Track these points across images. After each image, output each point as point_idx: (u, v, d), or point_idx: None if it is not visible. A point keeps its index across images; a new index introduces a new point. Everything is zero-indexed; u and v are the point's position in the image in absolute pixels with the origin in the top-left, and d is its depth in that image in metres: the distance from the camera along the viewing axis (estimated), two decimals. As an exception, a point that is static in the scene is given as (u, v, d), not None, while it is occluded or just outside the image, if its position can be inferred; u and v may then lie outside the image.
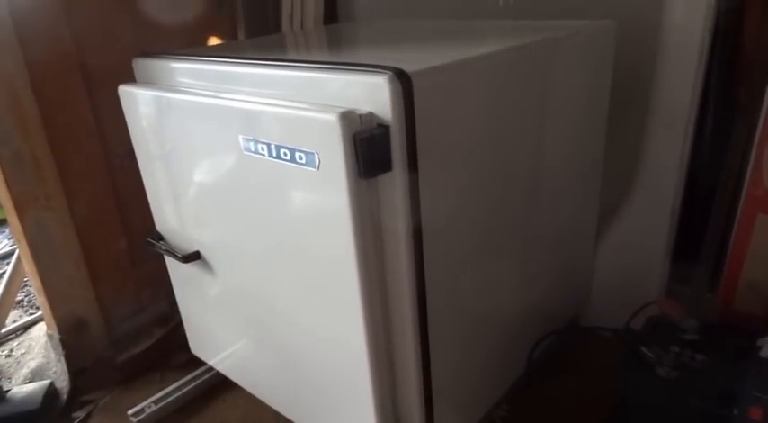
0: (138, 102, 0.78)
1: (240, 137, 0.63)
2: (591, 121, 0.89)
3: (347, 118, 0.52)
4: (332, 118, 0.52)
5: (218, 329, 0.89)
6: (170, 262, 0.91)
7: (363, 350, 0.62)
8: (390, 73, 0.52)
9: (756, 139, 0.80)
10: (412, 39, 0.86)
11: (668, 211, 0.96)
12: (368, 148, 0.53)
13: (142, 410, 0.97)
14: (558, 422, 0.88)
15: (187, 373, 1.05)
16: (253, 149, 0.62)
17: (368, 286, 0.59)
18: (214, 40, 1.20)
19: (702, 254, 0.99)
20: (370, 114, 0.54)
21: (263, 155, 0.61)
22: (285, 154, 0.58)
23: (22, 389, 1.03)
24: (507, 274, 0.78)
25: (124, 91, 0.79)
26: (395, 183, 0.55)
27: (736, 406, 0.60)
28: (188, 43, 1.11)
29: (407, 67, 0.54)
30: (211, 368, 1.03)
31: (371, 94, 0.53)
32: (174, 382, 1.04)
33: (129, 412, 0.97)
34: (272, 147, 0.60)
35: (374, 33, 0.97)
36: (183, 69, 0.74)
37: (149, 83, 0.79)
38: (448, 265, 0.65)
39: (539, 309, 0.89)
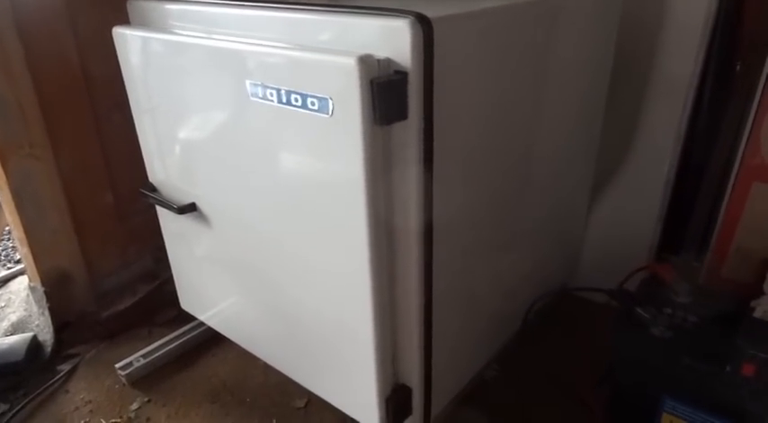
0: (133, 45, 0.75)
1: (248, 82, 0.61)
2: (593, 85, 0.89)
3: (365, 62, 0.50)
4: (350, 62, 0.50)
5: (211, 284, 0.88)
6: (163, 215, 0.89)
7: (367, 303, 0.61)
8: (412, 17, 0.51)
9: (754, 110, 0.81)
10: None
11: (662, 181, 0.97)
12: (385, 94, 0.51)
13: (130, 364, 0.96)
14: (547, 380, 0.90)
15: (175, 330, 1.04)
16: (261, 95, 0.60)
17: (376, 237, 0.58)
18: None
19: (692, 223, 1.00)
20: (388, 60, 0.52)
21: (272, 101, 0.59)
22: (296, 100, 0.57)
23: (4, 341, 1.00)
24: (504, 235, 0.79)
25: (118, 33, 0.76)
26: (409, 133, 0.54)
27: (729, 363, 0.62)
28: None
29: (428, 12, 0.52)
30: (201, 324, 1.02)
31: (390, 38, 0.52)
32: (162, 337, 1.03)
33: (117, 366, 0.96)
34: (283, 92, 0.58)
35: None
36: (183, 11, 0.71)
37: (144, 25, 0.76)
38: (455, 215, 0.65)
39: (533, 273, 0.90)
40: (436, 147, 0.57)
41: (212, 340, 1.02)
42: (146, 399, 0.93)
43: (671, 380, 0.67)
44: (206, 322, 0.95)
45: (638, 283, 0.82)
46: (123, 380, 0.96)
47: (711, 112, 0.96)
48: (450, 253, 0.66)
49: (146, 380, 0.96)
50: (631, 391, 0.71)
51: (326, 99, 0.54)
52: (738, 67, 0.93)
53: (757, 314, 0.64)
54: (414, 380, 0.69)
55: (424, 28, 0.51)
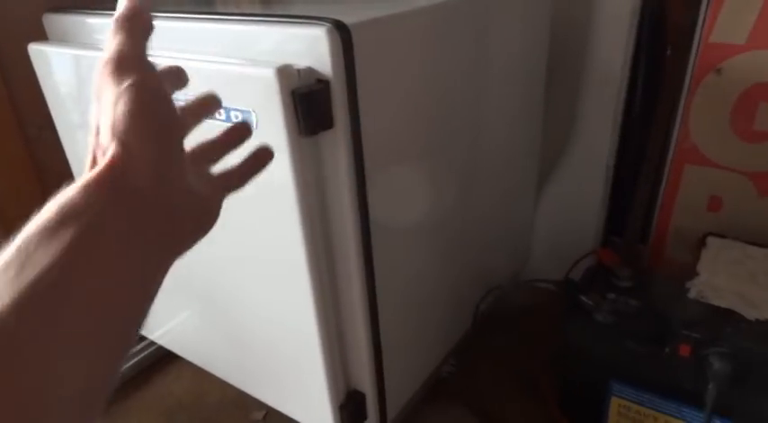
0: (52, 62, 0.72)
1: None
2: (529, 79, 0.90)
3: (284, 73, 0.49)
4: (268, 73, 0.49)
5: (159, 303, 0.85)
6: (101, 235, 0.86)
7: (311, 311, 0.61)
8: (329, 25, 0.50)
9: (683, 95, 0.83)
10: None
11: (603, 166, 0.99)
12: (308, 104, 0.50)
13: (80, 390, 0.93)
14: (504, 372, 0.91)
15: (128, 350, 1.01)
16: (184, 110, 0.58)
17: (312, 245, 0.57)
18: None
19: (635, 207, 1.03)
20: (309, 69, 0.51)
21: (196, 115, 0.57)
22: (219, 114, 0.55)
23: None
24: (450, 229, 0.79)
25: (35, 50, 0.72)
26: (337, 139, 0.53)
27: (667, 345, 0.64)
28: (106, -1, 1.02)
29: (347, 19, 0.51)
30: (153, 343, 1.00)
31: (309, 47, 0.51)
32: (113, 359, 1.00)
33: (67, 393, 0.93)
34: (205, 106, 0.56)
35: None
36: (101, 25, 0.68)
37: (63, 41, 0.73)
38: (393, 220, 0.65)
39: (482, 266, 0.91)
40: (368, 151, 0.56)
41: (166, 359, 1.00)
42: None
43: (616, 364, 0.68)
44: (157, 341, 0.93)
45: (583, 271, 0.83)
46: (74, 406, 0.92)
47: (646, 99, 0.98)
48: (393, 253, 0.66)
49: (98, 405, 0.93)
50: (581, 377, 0.73)
51: (249, 112, 0.53)
52: (669, 52, 0.96)
53: (691, 295, 0.66)
54: (366, 384, 0.68)
55: (343, 35, 0.50)
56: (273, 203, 0.56)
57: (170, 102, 0.31)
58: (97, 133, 0.29)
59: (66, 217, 0.26)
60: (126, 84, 0.29)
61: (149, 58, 0.31)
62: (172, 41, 0.61)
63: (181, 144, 0.32)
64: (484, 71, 0.76)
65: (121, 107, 0.28)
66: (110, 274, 0.26)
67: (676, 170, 0.85)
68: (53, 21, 0.73)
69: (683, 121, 0.82)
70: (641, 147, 1.00)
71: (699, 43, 0.78)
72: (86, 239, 0.25)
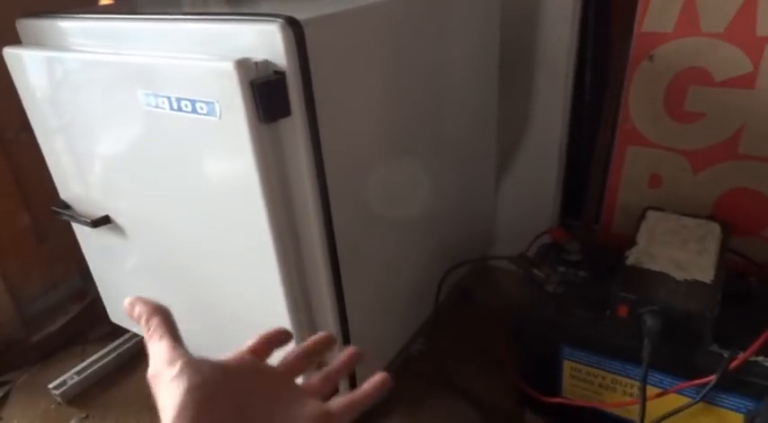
0: (26, 65, 0.75)
1: (140, 92, 0.63)
2: (483, 68, 0.95)
3: (243, 65, 0.54)
4: (228, 66, 0.54)
5: (136, 294, 0.89)
6: (80, 232, 0.89)
7: (279, 290, 0.65)
8: (282, 20, 0.55)
9: (626, 79, 0.90)
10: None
11: (556, 152, 1.05)
12: (265, 93, 0.55)
13: (64, 383, 0.96)
14: (468, 347, 0.97)
15: (108, 344, 1.05)
16: (154, 104, 0.63)
17: (278, 227, 0.62)
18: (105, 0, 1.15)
19: (589, 188, 1.09)
20: (266, 62, 0.56)
21: (164, 108, 0.62)
22: (186, 105, 0.60)
23: (-73, 377, 0.98)
24: (413, 214, 0.84)
25: (10, 54, 0.76)
26: (295, 126, 0.58)
27: (608, 308, 0.69)
28: (77, 3, 1.06)
29: (299, 15, 0.56)
30: (135, 335, 1.03)
31: (265, 42, 0.56)
32: (95, 353, 1.03)
33: (50, 386, 0.96)
34: (173, 99, 0.60)
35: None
36: (74, 28, 0.72)
37: (37, 45, 0.77)
38: (354, 203, 0.70)
39: (447, 248, 0.96)
40: (326, 137, 0.61)
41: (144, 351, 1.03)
42: (83, 415, 0.93)
43: (565, 330, 0.74)
44: (139, 333, 0.96)
45: (537, 248, 0.89)
46: (58, 399, 0.96)
47: (594, 86, 1.05)
48: (356, 234, 0.71)
49: (82, 397, 0.97)
50: (535, 345, 0.78)
51: (213, 102, 0.57)
52: (616, 38, 1.02)
53: (629, 262, 0.72)
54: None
55: (295, 29, 0.55)
56: (239, 188, 0.61)
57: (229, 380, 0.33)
58: None
59: None
60: (175, 371, 0.31)
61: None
62: (141, 41, 0.66)
63: (249, 402, 0.33)
64: (439, 62, 0.81)
65: (172, 396, 0.31)
66: None
67: (620, 151, 0.92)
68: (27, 26, 0.77)
69: (624, 106, 0.89)
70: (592, 131, 1.06)
71: (634, 32, 0.85)
72: None
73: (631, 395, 0.72)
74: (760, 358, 0.64)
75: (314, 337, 0.43)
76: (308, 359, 0.41)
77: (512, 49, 0.99)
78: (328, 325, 0.70)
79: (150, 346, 0.35)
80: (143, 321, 0.36)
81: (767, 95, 0.78)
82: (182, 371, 0.32)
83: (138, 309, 0.37)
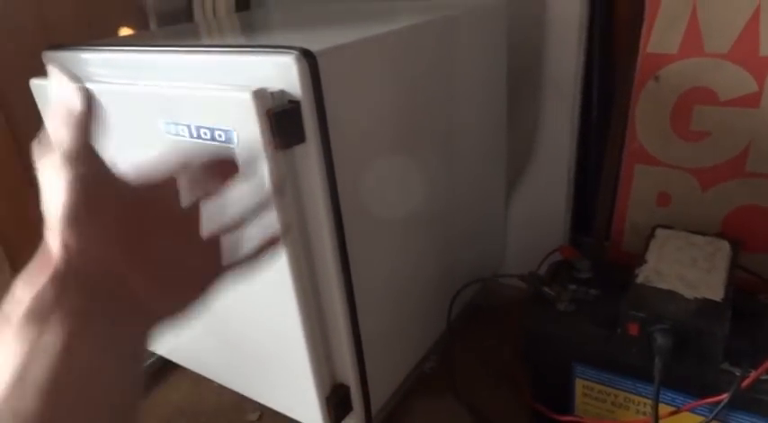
0: (52, 96, 0.79)
1: (161, 120, 0.66)
2: (492, 91, 0.98)
3: (260, 95, 0.57)
4: (246, 96, 0.56)
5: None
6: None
7: (295, 314, 0.67)
8: (297, 52, 0.57)
9: (632, 99, 0.91)
10: (321, 21, 0.91)
11: (565, 170, 1.07)
12: (281, 121, 0.58)
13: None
14: (483, 366, 0.97)
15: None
16: (174, 132, 0.65)
17: (293, 248, 0.64)
18: (125, 32, 1.19)
19: (599, 206, 1.10)
20: (282, 91, 0.58)
21: (185, 136, 0.64)
22: (205, 134, 0.62)
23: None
24: (426, 236, 0.86)
25: (36, 85, 0.79)
26: (309, 152, 0.60)
27: (618, 326, 0.70)
28: (98, 36, 1.10)
29: (313, 46, 0.59)
30: (152, 353, 1.05)
31: (281, 72, 0.58)
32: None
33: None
34: (192, 127, 0.63)
35: (285, 18, 1.01)
36: (96, 59, 0.75)
37: (62, 75, 0.80)
38: (368, 226, 0.72)
39: (459, 267, 0.98)
40: (340, 162, 0.63)
41: (164, 369, 1.05)
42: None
43: (576, 348, 0.75)
44: (155, 351, 0.98)
45: (547, 266, 0.90)
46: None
47: (600, 106, 1.06)
48: (368, 253, 0.72)
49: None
50: (547, 363, 0.79)
51: (231, 131, 0.60)
52: (620, 59, 1.04)
53: (639, 280, 0.72)
54: (350, 378, 0.74)
55: (309, 61, 0.58)
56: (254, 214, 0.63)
57: (126, 193, 0.33)
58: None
59: (31, 317, 0.28)
60: (70, 175, 0.29)
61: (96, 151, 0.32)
62: (161, 71, 0.69)
63: (142, 230, 0.33)
64: (449, 88, 0.83)
65: (63, 200, 0.29)
66: (90, 359, 0.29)
67: (628, 170, 0.93)
68: (52, 57, 0.80)
69: (631, 125, 0.90)
70: (600, 151, 1.08)
71: (640, 54, 0.87)
72: (58, 335, 0.28)
73: (644, 414, 0.72)
74: (772, 376, 0.64)
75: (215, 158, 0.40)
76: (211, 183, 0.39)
77: (519, 72, 1.01)
78: (341, 338, 0.72)
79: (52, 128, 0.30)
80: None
81: (772, 114, 0.80)
82: (83, 175, 0.29)
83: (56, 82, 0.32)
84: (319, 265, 0.68)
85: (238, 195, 0.61)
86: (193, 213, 0.39)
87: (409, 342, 0.89)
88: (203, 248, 0.39)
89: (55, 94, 0.32)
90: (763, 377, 0.64)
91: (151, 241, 0.34)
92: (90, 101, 0.32)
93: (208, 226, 0.39)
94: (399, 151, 0.76)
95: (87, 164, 0.31)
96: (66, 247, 0.29)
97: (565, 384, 0.78)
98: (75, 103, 0.31)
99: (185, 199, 0.38)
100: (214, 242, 0.39)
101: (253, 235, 0.42)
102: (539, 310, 0.79)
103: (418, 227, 0.84)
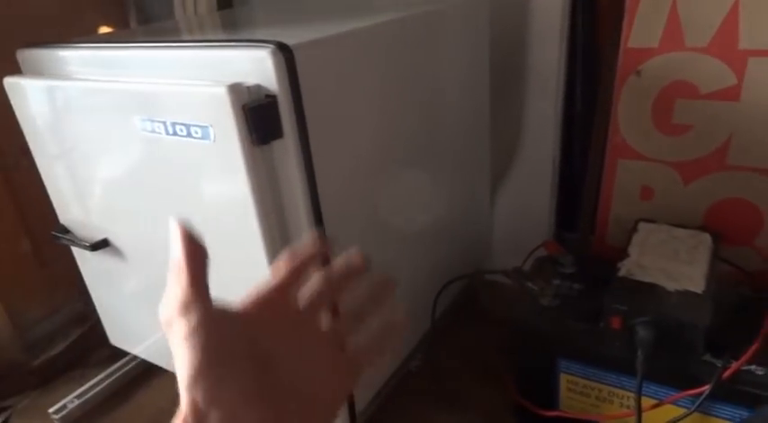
0: (27, 93, 0.77)
1: (136, 117, 0.65)
2: (475, 86, 0.97)
3: (235, 90, 0.56)
4: (221, 91, 0.56)
5: (138, 317, 0.90)
6: (80, 256, 0.90)
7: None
8: (273, 46, 0.56)
9: (614, 94, 0.91)
10: (305, 17, 0.90)
11: (549, 166, 1.07)
12: (258, 116, 0.57)
13: (64, 407, 0.97)
14: (469, 363, 0.97)
15: (109, 367, 1.05)
16: (150, 129, 0.64)
17: (273, 248, 0.63)
18: (104, 29, 1.18)
19: (583, 201, 1.10)
20: (258, 86, 0.58)
21: (161, 133, 0.63)
22: (181, 130, 0.61)
23: (-71, 403, 0.99)
24: (408, 231, 0.85)
25: (10, 83, 0.78)
26: (287, 147, 0.60)
27: (601, 320, 0.70)
28: (77, 34, 1.09)
29: (289, 40, 0.58)
30: (135, 358, 1.04)
31: (257, 67, 0.57)
32: (96, 376, 1.03)
33: (51, 410, 0.96)
34: (168, 124, 0.62)
35: (268, 14, 1.00)
36: (73, 57, 0.74)
37: (37, 74, 0.79)
38: (348, 222, 0.71)
39: (443, 263, 0.97)
40: (319, 157, 0.63)
41: (148, 372, 1.04)
42: (84, 438, 0.94)
43: (560, 342, 0.75)
44: (138, 355, 0.97)
45: (532, 262, 0.90)
46: (59, 423, 0.96)
47: (584, 101, 1.06)
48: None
49: (82, 420, 0.97)
50: (531, 358, 0.79)
51: (207, 127, 0.59)
52: (604, 52, 1.04)
53: (621, 273, 0.72)
54: (332, 376, 0.74)
55: (285, 55, 0.57)
56: (234, 209, 0.62)
57: (246, 327, 0.30)
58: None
59: None
60: (186, 329, 0.28)
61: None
62: (137, 68, 0.67)
63: (269, 363, 0.30)
64: (431, 82, 0.83)
65: (186, 358, 0.28)
66: None
67: (611, 165, 0.93)
68: (27, 56, 0.79)
69: (613, 120, 0.90)
70: (584, 145, 1.08)
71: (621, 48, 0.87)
72: None
73: (628, 407, 0.72)
74: (752, 367, 0.64)
75: (342, 261, 0.36)
76: (334, 291, 0.35)
77: (502, 65, 1.01)
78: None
79: (168, 284, 0.31)
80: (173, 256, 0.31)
81: (752, 107, 0.80)
82: (195, 329, 0.28)
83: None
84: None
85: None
86: (315, 321, 0.35)
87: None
88: (332, 358, 0.35)
89: (173, 253, 0.31)
90: (744, 368, 0.64)
91: (281, 372, 0.31)
92: (197, 248, 0.32)
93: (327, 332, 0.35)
94: (380, 146, 0.75)
95: (199, 311, 0.29)
96: (193, 405, 0.28)
97: (549, 380, 0.77)
98: (179, 252, 0.31)
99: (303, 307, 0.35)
100: (339, 348, 0.36)
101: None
102: (522, 306, 0.79)
103: (400, 224, 0.83)
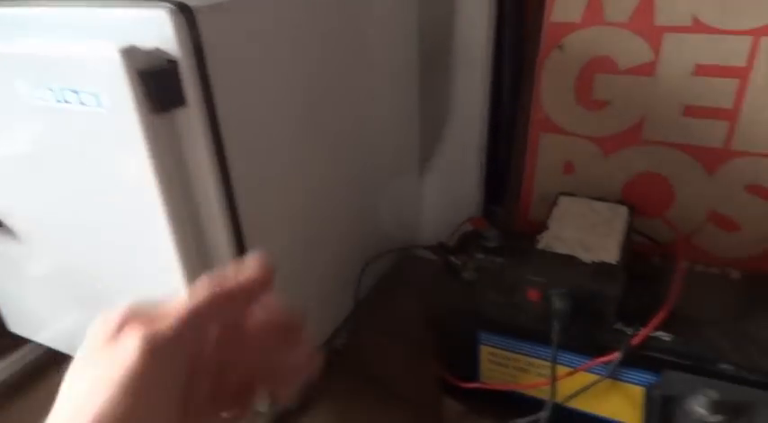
0: None
1: (21, 83, 0.59)
2: (401, 57, 0.95)
3: (129, 53, 0.51)
4: (113, 54, 0.51)
5: (38, 302, 0.84)
6: (-28, 236, 0.83)
7: (182, 288, 0.63)
8: (172, 6, 0.52)
9: (537, 69, 0.92)
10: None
11: (477, 141, 1.07)
12: (155, 82, 0.52)
13: (-39, 400, 0.89)
14: (393, 339, 0.97)
15: (9, 356, 0.98)
16: (37, 96, 0.58)
17: (178, 225, 0.59)
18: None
19: (511, 176, 1.11)
20: (157, 50, 0.53)
21: (49, 101, 0.58)
22: (71, 97, 0.56)
23: None
24: (328, 206, 0.83)
25: None
26: (191, 116, 0.56)
27: (519, 293, 0.71)
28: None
29: (191, 1, 0.54)
30: (39, 345, 0.97)
31: (155, 28, 0.53)
32: (-1, 366, 0.96)
33: (-55, 404, 0.89)
34: (57, 90, 0.56)
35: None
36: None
37: None
38: (262, 196, 0.68)
39: (369, 240, 0.96)
40: (227, 126, 0.59)
41: (57, 358, 0.98)
42: (-17, 432, 0.87)
43: (480, 316, 0.75)
44: (42, 342, 0.90)
45: (458, 236, 0.90)
46: (-44, 417, 0.89)
47: (512, 75, 1.06)
48: (264, 232, 0.69)
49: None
50: (453, 332, 0.79)
51: (99, 93, 0.54)
52: (531, 27, 1.04)
53: (540, 246, 0.73)
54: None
55: (187, 16, 0.52)
56: (133, 184, 0.58)
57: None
58: None
59: None
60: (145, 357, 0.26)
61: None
62: (22, 28, 0.61)
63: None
64: (356, 52, 0.80)
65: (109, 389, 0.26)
66: None
67: (534, 139, 0.94)
68: None
69: (536, 94, 0.91)
70: (512, 121, 1.08)
71: (544, 22, 0.87)
72: None
73: (545, 376, 0.73)
74: (659, 333, 0.67)
75: (242, 271, 0.33)
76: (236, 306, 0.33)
77: (430, 39, 0.99)
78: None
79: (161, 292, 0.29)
80: None
81: (666, 83, 0.82)
82: (149, 364, 0.26)
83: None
84: (209, 241, 0.63)
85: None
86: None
87: (317, 319, 0.87)
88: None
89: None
90: (652, 334, 0.67)
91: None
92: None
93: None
94: (298, 117, 0.72)
95: (170, 352, 0.27)
96: None
97: (470, 352, 0.78)
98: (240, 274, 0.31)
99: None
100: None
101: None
102: (445, 280, 0.79)
103: (322, 198, 0.81)
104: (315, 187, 0.78)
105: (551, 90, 0.90)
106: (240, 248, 0.64)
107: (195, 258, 0.62)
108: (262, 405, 0.75)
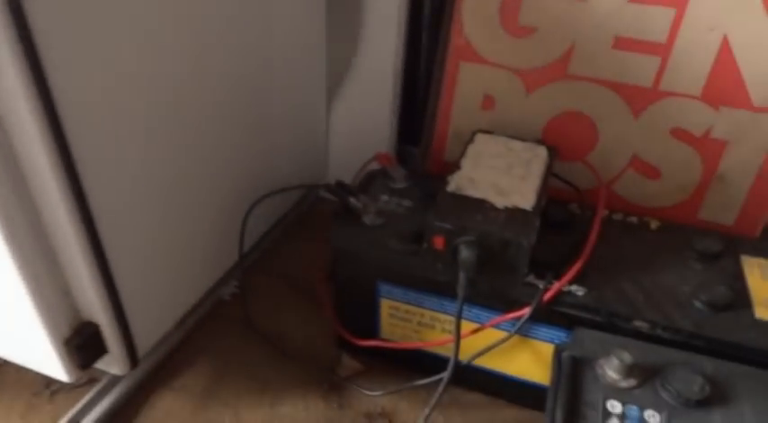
0: None
1: None
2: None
3: None
4: None
5: None
6: None
7: (16, 278, 0.49)
8: None
9: (460, -10, 0.80)
10: None
11: (390, 72, 0.95)
12: None
13: None
14: (289, 287, 0.87)
15: None
16: None
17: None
18: None
19: (427, 113, 1.01)
20: None
21: None
22: None
23: None
24: (206, 144, 0.69)
25: None
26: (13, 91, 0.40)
27: (424, 240, 0.62)
28: None
29: None
30: None
31: None
32: None
33: None
34: None
35: None
36: None
37: None
38: (113, 139, 0.53)
39: (263, 179, 0.83)
40: (56, 76, 0.44)
41: None
42: None
43: (381, 265, 0.66)
44: None
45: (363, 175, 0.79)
46: None
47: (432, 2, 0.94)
48: (117, 171, 0.55)
49: None
50: (351, 283, 0.70)
51: None
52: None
53: (450, 188, 0.64)
54: (99, 315, 0.58)
55: None
56: None
57: None
58: None
59: None
60: None
61: None
62: None
63: None
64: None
65: None
66: None
67: (452, 69, 0.83)
68: None
69: (456, 18, 0.79)
70: (431, 52, 0.97)
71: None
72: None
73: (450, 332, 0.66)
74: (573, 288, 0.60)
75: None
76: None
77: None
78: (82, 279, 0.55)
79: None
80: None
81: (597, 10, 0.73)
82: None
83: None
84: (46, 211, 0.49)
85: None
86: None
87: (194, 269, 0.74)
88: None
89: None
90: (566, 289, 0.60)
91: None
92: None
93: None
94: (186, 45, 0.57)
95: None
96: None
97: (370, 306, 0.69)
98: None
99: None
100: None
101: None
102: (343, 224, 0.68)
103: (203, 137, 0.67)
104: (200, 122, 0.64)
105: (474, 13, 0.79)
106: (79, 201, 0.50)
107: (22, 223, 0.48)
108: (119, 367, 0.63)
